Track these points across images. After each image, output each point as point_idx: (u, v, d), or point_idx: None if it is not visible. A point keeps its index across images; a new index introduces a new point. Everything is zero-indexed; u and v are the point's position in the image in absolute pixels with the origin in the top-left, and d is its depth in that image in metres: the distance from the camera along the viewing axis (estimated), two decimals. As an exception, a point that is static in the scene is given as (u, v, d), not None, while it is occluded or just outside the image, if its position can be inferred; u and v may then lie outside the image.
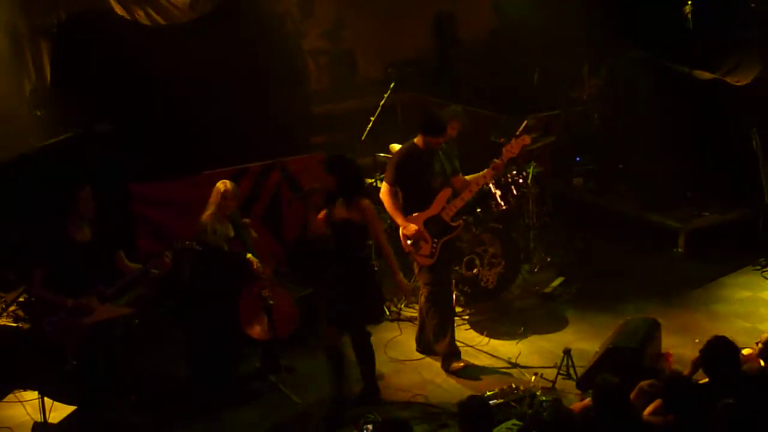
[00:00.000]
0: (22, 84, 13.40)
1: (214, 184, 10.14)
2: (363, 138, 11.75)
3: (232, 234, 9.48)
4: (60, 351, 8.37)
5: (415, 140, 9.47)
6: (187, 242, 9.06)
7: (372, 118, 11.69)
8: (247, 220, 9.78)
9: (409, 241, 9.44)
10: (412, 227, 9.35)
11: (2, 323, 10.30)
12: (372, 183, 11.62)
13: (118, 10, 12.61)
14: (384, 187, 9.50)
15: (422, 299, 9.73)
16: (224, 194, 9.38)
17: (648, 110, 12.79)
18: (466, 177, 9.75)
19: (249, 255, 9.46)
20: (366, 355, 9.14)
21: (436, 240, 9.39)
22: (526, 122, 12.24)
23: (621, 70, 13.44)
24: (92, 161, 10.81)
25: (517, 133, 11.99)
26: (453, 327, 9.80)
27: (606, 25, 13.57)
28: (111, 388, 8.84)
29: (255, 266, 9.40)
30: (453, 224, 9.47)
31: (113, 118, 11.21)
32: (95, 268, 8.45)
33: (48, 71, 12.69)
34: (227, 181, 9.57)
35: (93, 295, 8.38)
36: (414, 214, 9.40)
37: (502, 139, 12.00)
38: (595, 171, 13.64)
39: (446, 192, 9.47)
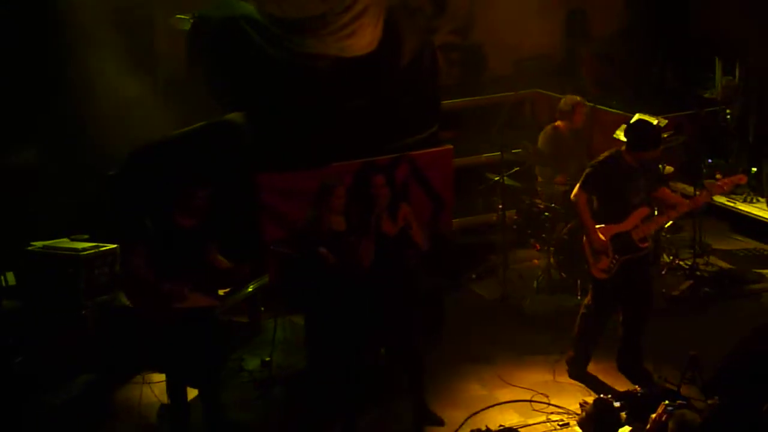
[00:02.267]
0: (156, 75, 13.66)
1: (340, 176, 10.22)
2: (492, 134, 11.66)
3: (342, 228, 9.43)
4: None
5: (623, 150, 9.10)
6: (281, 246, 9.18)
7: (502, 114, 11.57)
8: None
9: (591, 249, 9.16)
10: (602, 238, 9.03)
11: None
12: (498, 179, 11.57)
13: (252, 2, 12.75)
14: (579, 190, 9.12)
15: (581, 309, 9.55)
16: (325, 189, 9.32)
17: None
18: (669, 193, 9.48)
19: (322, 250, 9.36)
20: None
21: (617, 256, 9.07)
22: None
23: (755, 70, 13.15)
24: (223, 150, 10.99)
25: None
26: (590, 348, 9.54)
27: (739, 22, 13.33)
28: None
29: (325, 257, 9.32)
30: (641, 245, 9.11)
31: (245, 108, 11.37)
32: (191, 255, 8.55)
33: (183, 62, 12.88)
34: (329, 177, 9.53)
35: (186, 281, 8.46)
36: (603, 226, 9.09)
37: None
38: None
39: (643, 211, 9.09)
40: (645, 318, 9.45)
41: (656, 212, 9.73)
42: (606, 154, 9.31)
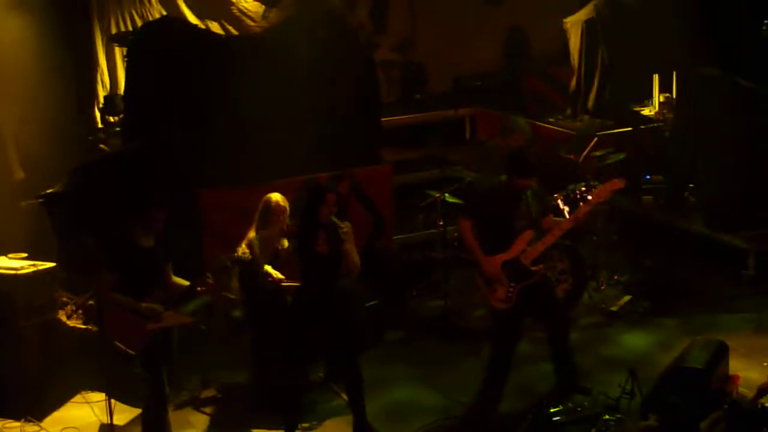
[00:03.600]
0: (96, 91, 13.60)
1: (283, 193, 10.25)
2: (432, 150, 11.71)
3: (285, 246, 9.45)
4: (126, 354, 8.45)
5: (503, 178, 9.08)
6: (236, 255, 9.16)
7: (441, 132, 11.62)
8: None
9: (483, 280, 9.07)
10: (494, 266, 8.94)
11: (72, 325, 10.42)
12: (438, 197, 11.61)
13: (192, 19, 12.75)
14: (462, 219, 9.14)
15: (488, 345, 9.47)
16: (273, 209, 9.36)
17: (719, 128, 12.64)
18: (551, 219, 9.46)
19: (267, 267, 9.40)
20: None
21: (513, 284, 9.00)
22: (596, 139, 12.20)
23: (692, 87, 13.30)
24: (163, 168, 10.96)
25: (586, 152, 11.98)
26: (502, 383, 9.26)
27: (677, 40, 13.49)
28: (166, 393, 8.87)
29: (272, 277, 9.37)
30: (533, 269, 9.05)
31: (184, 125, 11.34)
32: (156, 275, 8.52)
33: (122, 78, 12.83)
34: (274, 195, 9.58)
35: (156, 302, 8.43)
36: (492, 257, 8.98)
37: (572, 156, 12.01)
38: (665, 189, 13.52)
39: (527, 234, 9.02)
40: (567, 333, 9.46)
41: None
42: (486, 181, 9.38)
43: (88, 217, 10.22)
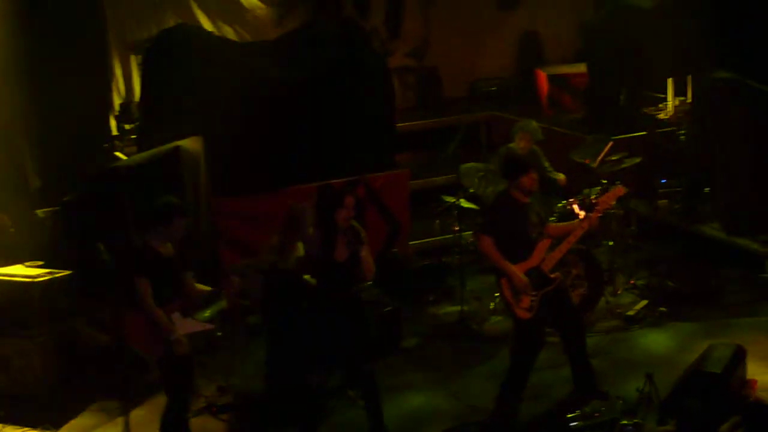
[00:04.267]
0: (111, 98, 13.64)
1: (298, 199, 10.26)
2: (447, 156, 11.70)
3: (302, 253, 9.47)
4: (145, 360, 8.46)
5: (506, 191, 9.13)
6: (248, 264, 9.18)
7: (456, 137, 11.60)
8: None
9: (511, 291, 9.05)
10: (525, 278, 8.95)
11: (90, 332, 10.44)
12: (454, 201, 11.61)
13: (207, 25, 12.78)
14: (482, 237, 9.09)
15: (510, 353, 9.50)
16: (295, 216, 9.37)
17: (735, 132, 12.62)
18: (556, 226, 9.56)
19: (306, 276, 9.44)
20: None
21: (535, 293, 9.01)
22: (611, 143, 12.18)
23: (708, 91, 13.27)
24: (179, 175, 10.98)
25: (602, 156, 11.97)
26: (522, 389, 9.26)
27: (693, 44, 13.46)
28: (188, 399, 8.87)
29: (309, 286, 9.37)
30: (551, 276, 9.09)
31: (200, 132, 11.36)
32: (177, 284, 8.53)
33: (137, 86, 12.87)
34: (299, 204, 9.59)
35: (176, 309, 8.45)
36: (516, 266, 8.99)
37: (587, 161, 11.99)
38: (681, 193, 13.49)
39: (546, 242, 9.10)
40: (583, 339, 9.45)
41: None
42: (494, 195, 9.40)
43: (104, 224, 10.22)
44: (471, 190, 11.89)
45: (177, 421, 8.64)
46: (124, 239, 8.60)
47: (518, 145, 11.87)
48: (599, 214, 9.47)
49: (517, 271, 8.94)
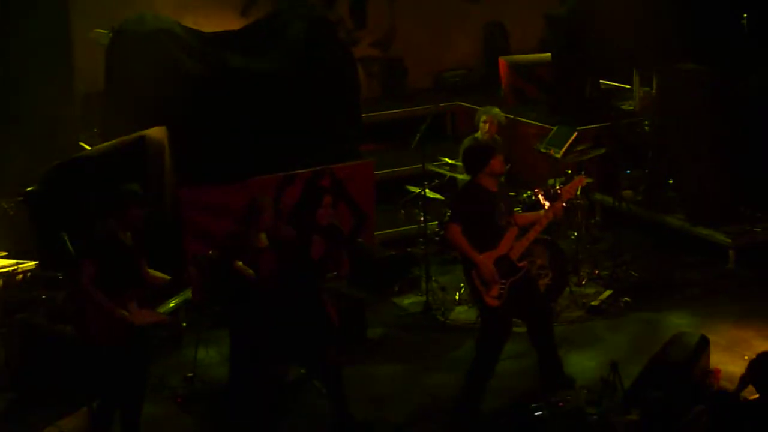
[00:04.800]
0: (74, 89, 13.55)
1: (263, 190, 10.25)
2: (412, 146, 11.68)
3: (265, 244, 9.44)
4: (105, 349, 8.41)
5: (475, 180, 9.12)
6: (208, 254, 9.15)
7: (422, 127, 11.58)
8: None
9: (480, 280, 9.02)
10: (492, 267, 8.95)
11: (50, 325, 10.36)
12: (419, 192, 11.61)
13: (170, 15, 12.70)
14: (450, 225, 9.08)
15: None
16: (260, 210, 9.34)
17: (700, 122, 12.69)
18: (522, 215, 9.62)
19: (238, 263, 9.34)
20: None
21: (504, 281, 9.03)
22: (575, 134, 12.22)
23: (673, 82, 13.33)
24: (143, 165, 10.94)
25: (567, 146, 12.01)
26: (487, 379, 9.23)
27: (659, 36, 13.52)
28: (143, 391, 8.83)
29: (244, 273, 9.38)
30: (519, 264, 9.10)
31: (164, 122, 11.30)
32: (134, 272, 8.49)
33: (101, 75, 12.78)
34: (260, 196, 9.58)
35: (132, 299, 8.40)
36: (485, 254, 8.98)
37: (552, 151, 12.02)
38: (645, 183, 13.55)
39: (514, 231, 9.10)
40: (550, 328, 9.48)
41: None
42: (463, 184, 9.41)
43: (68, 214, 10.15)
44: (436, 181, 11.92)
45: (106, 413, 8.60)
46: (84, 229, 8.52)
47: (483, 130, 11.87)
48: (563, 204, 9.51)
49: (486, 259, 8.95)
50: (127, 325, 8.27)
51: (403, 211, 12.64)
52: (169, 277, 8.76)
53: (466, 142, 11.74)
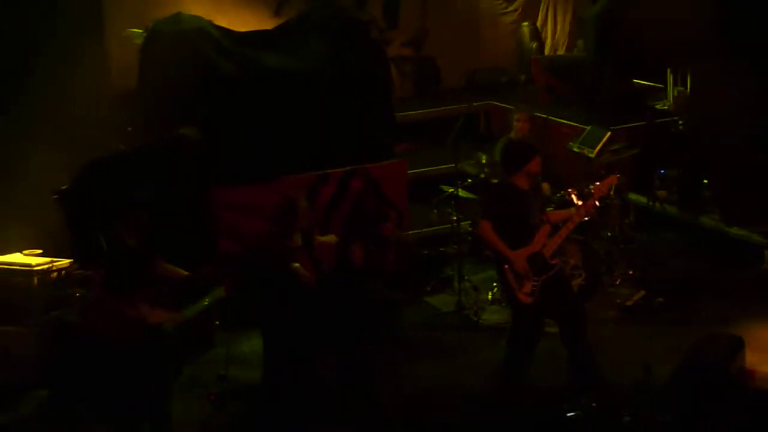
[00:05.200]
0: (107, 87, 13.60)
1: (296, 189, 10.26)
2: (447, 145, 11.67)
3: (299, 243, 9.47)
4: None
5: (509, 178, 9.18)
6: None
7: (456, 126, 11.56)
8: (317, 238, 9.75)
9: (513, 276, 9.07)
10: (522, 261, 9.01)
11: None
12: (452, 191, 11.59)
13: (204, 14, 12.72)
14: (483, 222, 9.13)
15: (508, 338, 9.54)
16: (297, 211, 9.40)
17: (734, 122, 12.60)
18: (554, 212, 9.64)
19: (296, 266, 9.44)
20: None
21: (536, 278, 9.05)
22: (609, 134, 12.17)
23: (707, 80, 13.26)
24: (177, 165, 10.98)
25: (600, 146, 11.96)
26: (523, 376, 9.36)
27: (693, 34, 13.42)
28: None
29: (301, 275, 9.41)
30: (552, 262, 9.14)
31: (197, 122, 11.34)
32: (142, 272, 8.53)
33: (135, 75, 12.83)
34: (296, 197, 9.61)
35: (143, 299, 8.44)
36: (518, 251, 9.04)
37: (585, 150, 11.98)
38: (680, 183, 13.47)
39: (547, 228, 9.15)
40: (583, 328, 9.42)
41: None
42: (495, 182, 9.45)
43: (101, 212, 10.21)
44: (469, 180, 11.90)
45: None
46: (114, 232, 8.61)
47: (517, 127, 11.82)
48: (595, 202, 9.48)
49: (519, 255, 8.96)
50: (139, 325, 8.31)
51: (436, 211, 12.63)
52: (186, 273, 8.79)
53: (502, 142, 11.74)
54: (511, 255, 8.97)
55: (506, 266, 9.03)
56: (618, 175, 9.76)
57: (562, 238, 9.27)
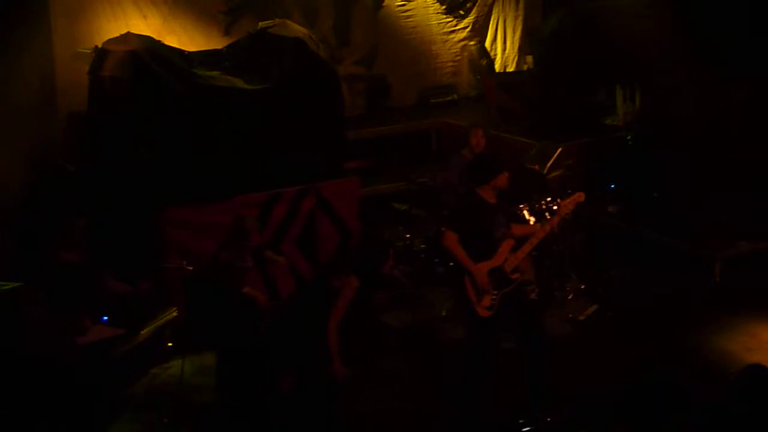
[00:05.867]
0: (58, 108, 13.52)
1: (247, 208, 10.24)
2: (397, 163, 11.70)
3: (250, 264, 9.47)
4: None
5: (476, 190, 9.18)
6: (182, 263, 9.18)
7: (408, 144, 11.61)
8: (270, 255, 9.73)
9: (474, 290, 9.06)
10: (484, 275, 9.00)
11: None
12: (404, 209, 11.61)
13: (153, 34, 12.70)
14: (447, 233, 9.12)
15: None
16: (248, 231, 9.41)
17: (682, 136, 12.73)
18: (519, 227, 9.65)
19: (247, 289, 9.45)
20: None
21: (496, 292, 9.07)
22: (560, 150, 12.24)
23: (655, 96, 13.39)
24: (126, 185, 10.93)
25: (551, 163, 12.03)
26: (478, 392, 9.31)
27: (641, 50, 13.55)
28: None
29: (257, 299, 9.43)
30: (512, 276, 9.14)
31: (149, 142, 11.30)
32: (85, 289, 8.48)
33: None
34: (246, 218, 9.62)
35: (84, 316, 8.39)
36: (479, 264, 9.03)
37: (536, 166, 12.04)
38: (630, 198, 13.58)
39: (509, 242, 9.14)
40: (541, 345, 9.41)
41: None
42: (463, 195, 9.55)
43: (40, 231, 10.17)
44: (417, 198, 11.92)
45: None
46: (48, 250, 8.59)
47: (473, 143, 11.80)
48: (560, 218, 9.53)
49: (481, 269, 8.98)
50: (75, 343, 8.27)
51: (388, 229, 12.63)
52: (131, 288, 8.74)
53: (455, 159, 11.75)
54: (474, 268, 8.98)
55: (467, 279, 9.05)
56: (583, 193, 9.75)
57: (524, 254, 9.26)
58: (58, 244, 8.39)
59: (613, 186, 13.78)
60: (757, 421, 7.05)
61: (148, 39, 12.16)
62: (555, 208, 10.07)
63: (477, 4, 17.59)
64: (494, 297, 9.03)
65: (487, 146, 12.01)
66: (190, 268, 9.26)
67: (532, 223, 11.11)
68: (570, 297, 11.81)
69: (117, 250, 8.86)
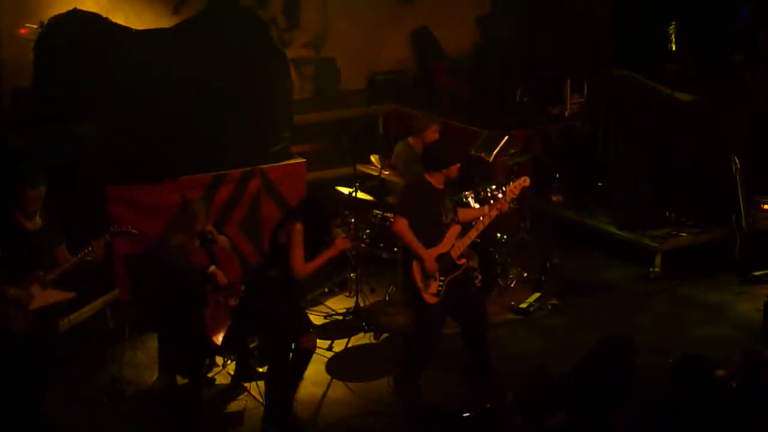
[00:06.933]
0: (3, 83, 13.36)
1: (193, 189, 10.20)
2: (344, 147, 11.68)
3: (197, 245, 9.45)
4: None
5: (425, 176, 9.26)
6: (128, 227, 9.18)
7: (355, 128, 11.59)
8: (211, 229, 9.70)
9: (422, 275, 9.13)
10: (434, 262, 9.08)
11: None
12: (351, 193, 11.59)
13: (100, 11, 12.58)
14: (398, 218, 9.17)
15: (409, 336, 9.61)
16: (193, 214, 9.40)
17: (628, 129, 12.83)
18: (465, 211, 9.75)
19: (212, 267, 9.47)
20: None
21: (442, 278, 9.16)
22: (506, 138, 12.27)
23: (603, 88, 13.46)
24: (73, 161, 10.85)
25: (497, 150, 12.05)
26: (416, 379, 9.55)
27: (589, 43, 13.64)
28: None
29: (220, 279, 9.43)
30: (459, 262, 9.25)
31: (96, 120, 11.21)
32: (39, 257, 8.48)
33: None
34: (194, 201, 9.60)
35: (34, 282, 8.39)
36: (429, 250, 9.09)
37: (483, 154, 12.07)
38: (575, 188, 13.66)
39: (456, 228, 9.24)
40: (484, 329, 9.60)
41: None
42: (412, 180, 9.64)
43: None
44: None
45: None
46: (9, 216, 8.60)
47: (428, 137, 11.70)
48: (506, 202, 9.60)
49: (429, 255, 9.01)
50: (24, 309, 8.28)
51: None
52: (73, 258, 8.70)
53: (399, 146, 11.72)
54: (424, 254, 9.03)
55: (414, 263, 9.07)
56: (528, 178, 9.82)
57: (471, 239, 9.38)
58: (19, 211, 8.39)
59: (558, 175, 13.85)
60: (694, 410, 7.14)
61: (95, 16, 12.03)
62: (500, 195, 10.13)
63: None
64: (441, 283, 9.07)
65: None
66: (134, 231, 9.21)
67: (491, 206, 11.13)
68: (512, 284, 11.88)
69: (66, 223, 8.83)
